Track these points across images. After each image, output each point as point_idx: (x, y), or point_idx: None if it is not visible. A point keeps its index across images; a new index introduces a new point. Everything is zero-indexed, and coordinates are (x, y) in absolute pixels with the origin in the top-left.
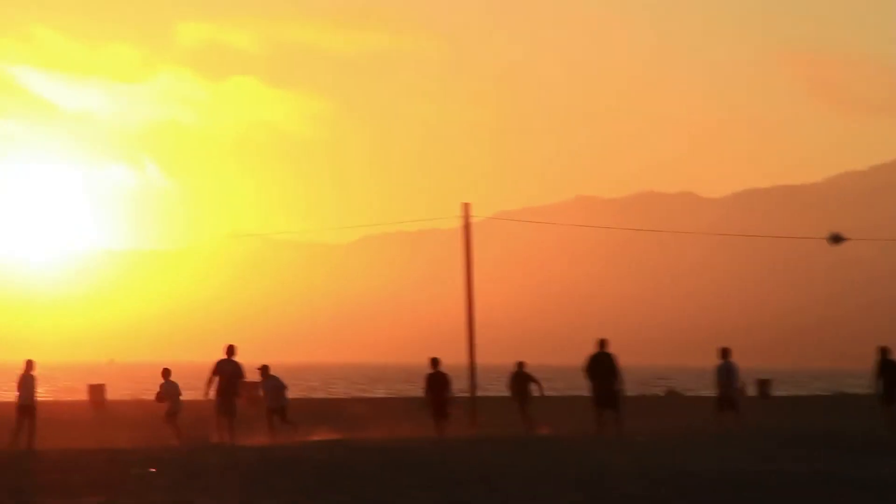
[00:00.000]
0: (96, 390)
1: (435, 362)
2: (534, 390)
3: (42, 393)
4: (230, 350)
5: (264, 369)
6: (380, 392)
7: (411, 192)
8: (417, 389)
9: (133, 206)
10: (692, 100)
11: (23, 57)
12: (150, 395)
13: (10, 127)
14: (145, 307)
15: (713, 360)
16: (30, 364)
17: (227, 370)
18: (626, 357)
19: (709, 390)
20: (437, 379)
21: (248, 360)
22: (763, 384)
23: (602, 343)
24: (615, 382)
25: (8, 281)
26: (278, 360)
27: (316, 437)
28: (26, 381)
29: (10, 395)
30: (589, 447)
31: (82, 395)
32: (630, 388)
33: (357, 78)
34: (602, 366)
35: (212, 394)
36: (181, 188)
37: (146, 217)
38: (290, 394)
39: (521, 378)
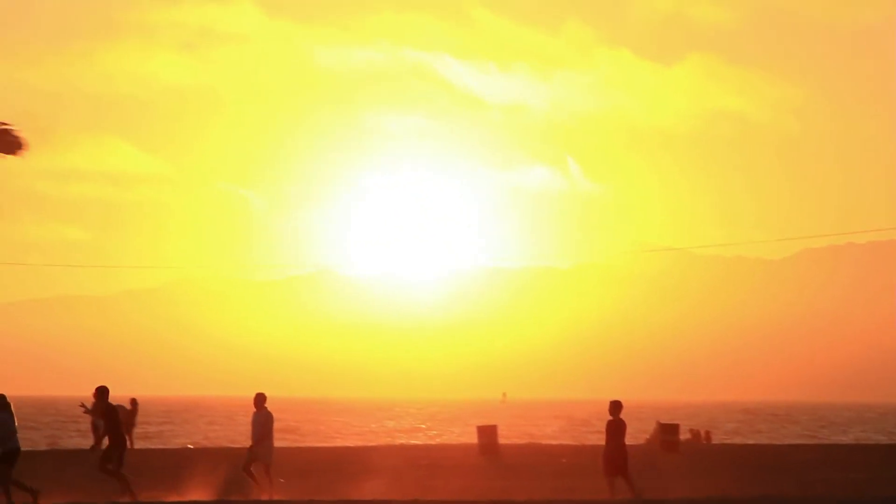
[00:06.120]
0: (487, 432)
1: (616, 407)
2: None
3: (426, 437)
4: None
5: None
6: (838, 437)
7: (866, 194)
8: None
9: (541, 214)
10: None
11: (440, 42)
12: (549, 439)
13: (416, 122)
14: (539, 334)
15: None
16: None
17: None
18: None
19: None
20: (616, 428)
21: (652, 398)
22: None
23: None
24: None
25: (386, 305)
26: (692, 398)
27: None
28: None
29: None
30: None
31: (471, 438)
32: None
33: (838, 59)
34: None
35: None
36: (604, 192)
37: (553, 226)
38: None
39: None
